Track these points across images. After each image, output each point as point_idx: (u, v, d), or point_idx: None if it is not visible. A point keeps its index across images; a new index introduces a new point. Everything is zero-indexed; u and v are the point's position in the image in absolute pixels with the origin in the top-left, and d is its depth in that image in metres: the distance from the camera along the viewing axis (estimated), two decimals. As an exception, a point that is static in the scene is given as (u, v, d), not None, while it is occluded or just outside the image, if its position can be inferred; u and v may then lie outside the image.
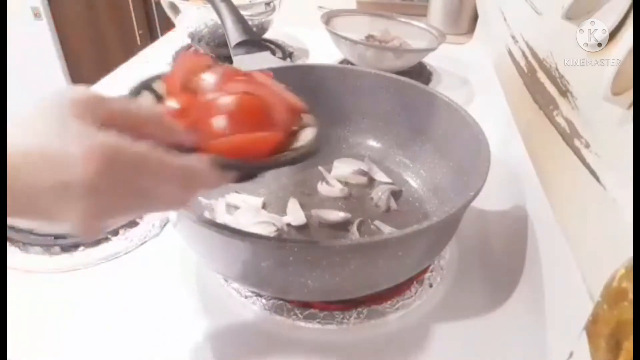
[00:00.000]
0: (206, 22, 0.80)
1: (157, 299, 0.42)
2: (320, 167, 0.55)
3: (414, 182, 0.54)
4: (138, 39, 1.69)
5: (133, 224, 0.49)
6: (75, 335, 0.39)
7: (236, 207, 0.49)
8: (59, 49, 1.66)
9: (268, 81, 0.33)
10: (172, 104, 0.31)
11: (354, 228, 0.47)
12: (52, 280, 0.43)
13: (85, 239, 0.27)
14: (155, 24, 1.74)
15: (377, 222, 0.48)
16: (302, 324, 0.40)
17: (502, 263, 0.47)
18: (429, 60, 0.82)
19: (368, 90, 0.55)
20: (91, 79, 0.75)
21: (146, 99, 0.31)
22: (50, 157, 0.22)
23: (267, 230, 0.45)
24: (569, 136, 0.40)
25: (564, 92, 0.43)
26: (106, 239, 0.47)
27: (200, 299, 0.42)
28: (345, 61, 0.81)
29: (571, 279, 0.35)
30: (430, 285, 0.44)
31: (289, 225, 0.47)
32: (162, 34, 0.97)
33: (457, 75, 0.82)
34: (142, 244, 0.47)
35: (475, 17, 0.98)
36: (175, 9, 0.80)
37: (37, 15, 1.58)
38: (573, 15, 0.41)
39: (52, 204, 0.22)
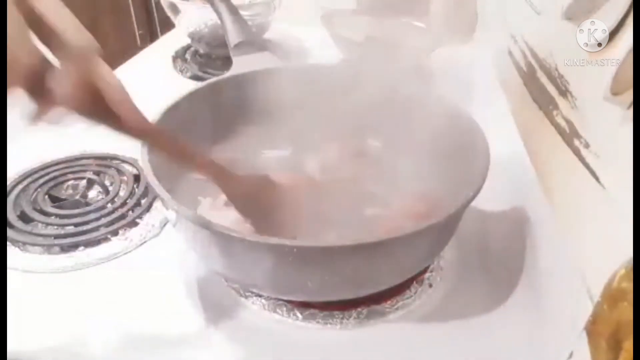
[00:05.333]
0: (206, 22, 0.80)
1: (157, 299, 0.42)
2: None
3: (413, 182, 0.53)
4: (138, 39, 1.69)
5: (133, 224, 0.49)
6: (75, 335, 0.39)
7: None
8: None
9: None
10: None
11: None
12: (52, 280, 0.43)
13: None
14: (155, 24, 1.74)
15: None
16: (302, 324, 0.40)
17: (502, 263, 0.47)
18: (429, 60, 0.82)
19: (368, 90, 0.55)
20: (91, 79, 0.75)
21: None
22: None
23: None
24: (568, 136, 0.40)
25: (564, 92, 0.43)
26: (106, 239, 0.47)
27: (200, 299, 0.42)
28: (345, 61, 0.81)
29: (571, 279, 0.35)
30: (430, 285, 0.44)
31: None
32: (162, 34, 0.97)
33: (457, 75, 0.82)
34: (141, 244, 0.47)
35: (475, 17, 0.98)
36: (175, 9, 0.80)
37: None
38: (573, 15, 0.41)
39: None
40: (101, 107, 0.30)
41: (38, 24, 0.26)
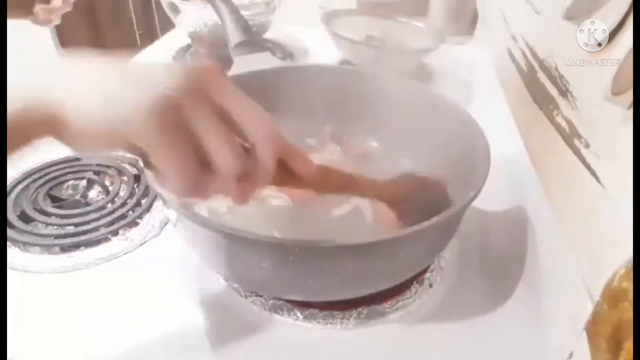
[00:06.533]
0: (206, 22, 0.80)
1: (157, 299, 0.42)
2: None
3: (413, 182, 0.53)
4: (138, 39, 1.69)
5: (133, 224, 0.49)
6: (75, 335, 0.39)
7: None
8: (59, 50, 1.66)
9: None
10: None
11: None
12: (52, 280, 0.43)
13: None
14: (155, 24, 1.74)
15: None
16: (302, 324, 0.40)
17: (502, 263, 0.47)
18: (429, 60, 0.82)
19: (368, 91, 0.55)
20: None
21: None
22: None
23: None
24: (569, 136, 0.40)
25: (564, 92, 0.43)
26: (106, 239, 0.47)
27: (200, 299, 0.42)
28: (345, 61, 0.81)
29: (571, 279, 0.35)
30: (430, 285, 0.44)
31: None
32: (162, 34, 0.97)
33: (457, 75, 0.82)
34: (141, 244, 0.47)
35: (475, 17, 0.98)
36: (175, 9, 0.80)
37: (37, 15, 1.57)
38: (573, 15, 0.41)
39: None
40: (288, 173, 0.32)
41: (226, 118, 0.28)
